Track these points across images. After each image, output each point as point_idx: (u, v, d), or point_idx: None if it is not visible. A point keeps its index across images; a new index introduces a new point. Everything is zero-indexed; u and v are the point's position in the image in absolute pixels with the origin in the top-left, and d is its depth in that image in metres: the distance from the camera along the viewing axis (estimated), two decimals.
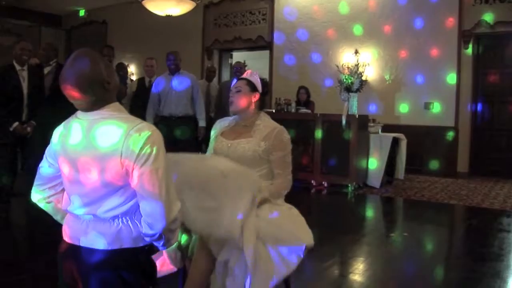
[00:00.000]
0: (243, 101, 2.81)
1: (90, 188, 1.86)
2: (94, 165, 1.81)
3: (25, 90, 5.59)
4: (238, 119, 2.88)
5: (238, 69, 7.72)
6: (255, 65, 13.79)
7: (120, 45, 12.33)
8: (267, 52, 11.13)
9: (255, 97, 2.84)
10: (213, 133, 2.95)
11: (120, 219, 1.86)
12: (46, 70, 6.18)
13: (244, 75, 2.92)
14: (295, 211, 2.73)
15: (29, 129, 5.62)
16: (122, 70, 8.29)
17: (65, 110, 2.11)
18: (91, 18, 13.77)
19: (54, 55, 6.37)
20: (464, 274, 3.93)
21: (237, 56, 11.60)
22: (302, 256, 2.49)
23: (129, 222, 1.88)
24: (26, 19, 13.23)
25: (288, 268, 2.44)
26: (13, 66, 5.57)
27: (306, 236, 2.56)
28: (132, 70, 12.50)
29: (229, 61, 11.71)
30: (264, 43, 11.05)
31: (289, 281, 2.76)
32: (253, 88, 2.84)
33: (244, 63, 16.78)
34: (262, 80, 2.90)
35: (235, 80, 7.59)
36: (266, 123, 2.81)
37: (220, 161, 2.57)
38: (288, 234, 2.48)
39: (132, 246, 1.87)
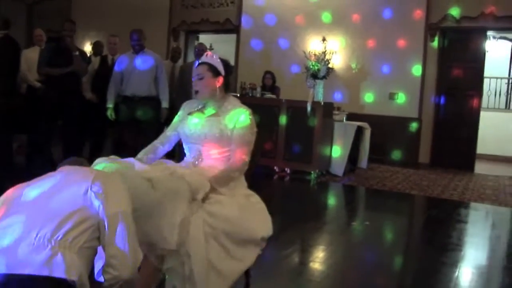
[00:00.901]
0: (208, 88, 2.69)
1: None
2: None
3: None
4: (207, 103, 2.76)
5: (200, 51, 7.49)
6: (221, 49, 13.54)
7: (84, 22, 11.89)
8: (234, 36, 10.97)
9: (219, 81, 2.71)
10: (180, 113, 2.83)
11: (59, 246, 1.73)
12: None
13: (204, 58, 2.76)
14: (254, 198, 2.63)
15: None
16: (99, 48, 8.12)
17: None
18: None
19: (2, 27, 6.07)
20: (424, 264, 3.95)
21: (204, 39, 11.38)
22: (259, 248, 2.44)
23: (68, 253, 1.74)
24: None
25: (245, 264, 2.39)
26: None
27: (262, 226, 2.48)
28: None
29: (195, 43, 11.49)
30: (231, 27, 10.88)
31: (249, 270, 2.69)
32: (215, 72, 2.71)
33: (211, 46, 16.45)
34: (223, 61, 2.76)
35: (197, 62, 7.40)
36: (234, 105, 2.71)
37: (146, 171, 2.36)
38: (242, 227, 2.38)
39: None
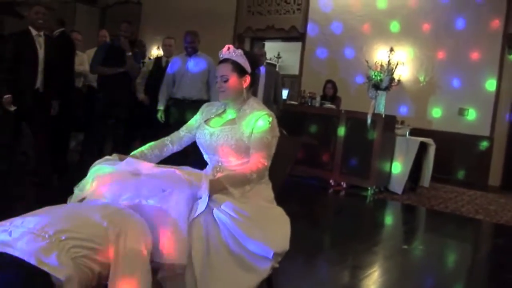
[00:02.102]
0: (233, 90, 2.43)
1: None
2: None
3: (40, 56, 5.31)
4: (227, 105, 2.52)
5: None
6: (288, 58, 13.37)
7: (152, 27, 12.17)
8: (299, 45, 10.73)
9: (246, 81, 2.44)
10: (198, 118, 2.60)
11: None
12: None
13: (225, 52, 2.44)
14: (276, 210, 2.35)
15: (53, 110, 5.38)
16: (140, 47, 8.08)
17: None
18: None
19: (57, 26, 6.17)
20: None
21: (270, 47, 11.23)
22: (273, 262, 2.11)
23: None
24: None
25: (258, 275, 2.08)
26: (29, 32, 5.31)
27: (276, 240, 2.14)
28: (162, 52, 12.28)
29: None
30: (297, 34, 10.64)
31: (272, 283, 2.41)
32: (241, 71, 2.43)
33: (278, 55, 16.13)
34: (248, 56, 2.46)
35: (263, 69, 7.02)
36: (252, 108, 2.43)
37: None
38: (252, 233, 2.07)
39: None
